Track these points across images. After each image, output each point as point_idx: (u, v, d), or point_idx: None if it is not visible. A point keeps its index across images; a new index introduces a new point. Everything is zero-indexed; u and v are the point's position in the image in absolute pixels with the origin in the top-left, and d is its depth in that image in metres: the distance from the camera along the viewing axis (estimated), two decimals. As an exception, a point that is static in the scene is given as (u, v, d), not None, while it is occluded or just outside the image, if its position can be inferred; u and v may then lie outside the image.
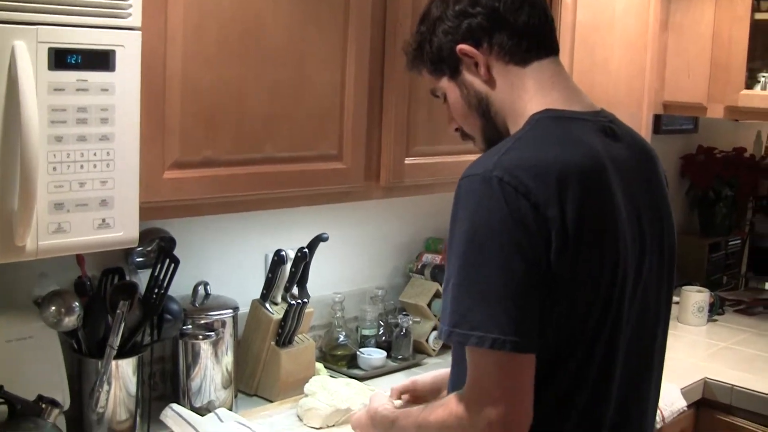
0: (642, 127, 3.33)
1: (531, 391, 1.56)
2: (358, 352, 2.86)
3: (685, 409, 2.93)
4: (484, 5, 1.73)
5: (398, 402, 2.07)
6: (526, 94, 1.73)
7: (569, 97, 1.74)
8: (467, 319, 1.53)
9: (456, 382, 1.74)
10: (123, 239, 1.87)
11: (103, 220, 1.82)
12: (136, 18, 1.80)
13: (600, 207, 1.61)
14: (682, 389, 2.95)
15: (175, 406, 2.30)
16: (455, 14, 1.75)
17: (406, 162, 2.47)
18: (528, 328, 1.53)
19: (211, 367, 2.43)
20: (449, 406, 1.63)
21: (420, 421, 1.73)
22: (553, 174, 1.55)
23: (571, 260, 1.55)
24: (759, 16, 3.42)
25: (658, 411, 2.74)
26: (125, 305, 2.15)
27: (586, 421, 1.67)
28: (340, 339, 2.89)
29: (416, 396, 2.08)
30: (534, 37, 1.75)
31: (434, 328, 2.98)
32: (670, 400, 2.86)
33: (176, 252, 2.33)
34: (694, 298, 3.73)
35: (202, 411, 2.37)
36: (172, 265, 2.27)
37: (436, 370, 2.12)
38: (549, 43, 1.79)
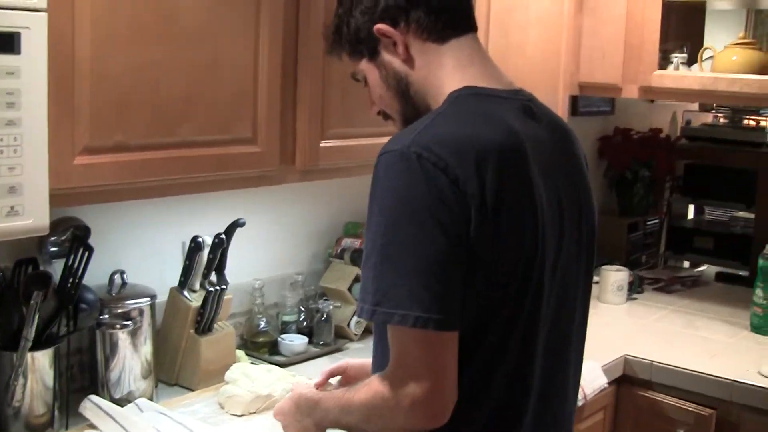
0: (558, 108, 3.35)
1: (455, 369, 1.56)
2: (279, 339, 2.84)
3: (606, 386, 2.96)
4: None
5: (332, 383, 2.08)
6: (444, 72, 1.73)
7: (488, 75, 1.75)
8: (389, 298, 1.52)
9: (379, 362, 1.74)
10: (33, 227, 1.82)
11: (12, 208, 1.77)
12: (41, -1, 1.76)
13: (518, 185, 1.61)
14: (603, 366, 2.99)
15: (93, 397, 2.26)
16: None
17: (321, 145, 2.45)
18: (451, 306, 1.53)
19: (130, 357, 2.39)
20: (372, 385, 1.63)
21: (343, 403, 1.73)
22: (471, 150, 1.55)
23: (489, 236, 1.55)
24: (670, -4, 3.47)
25: (580, 389, 2.78)
26: (39, 295, 2.10)
27: (508, 396, 1.67)
28: (261, 326, 2.87)
29: (348, 378, 2.08)
30: (451, 14, 1.75)
31: (355, 313, 2.97)
32: (592, 378, 2.89)
33: (91, 240, 2.29)
34: (614, 277, 3.78)
35: (122, 402, 2.33)
36: (86, 253, 2.22)
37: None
38: (467, 21, 1.79)
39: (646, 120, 4.78)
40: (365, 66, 1.81)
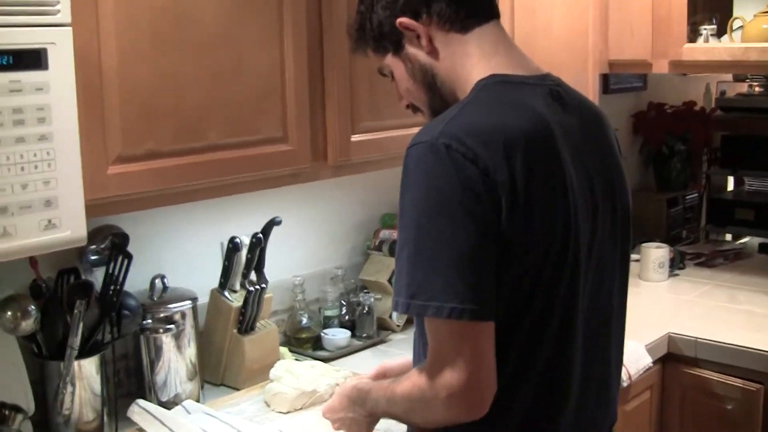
0: (589, 87, 3.34)
1: (493, 359, 1.57)
2: (322, 334, 2.86)
3: (651, 365, 2.95)
4: None
5: None
6: (469, 61, 1.73)
7: (514, 62, 1.75)
8: (424, 289, 1.53)
9: (420, 355, 1.75)
10: (71, 239, 1.85)
11: (50, 221, 1.80)
12: (65, 14, 1.78)
13: (548, 171, 1.61)
14: (646, 345, 2.97)
15: (141, 401, 2.30)
16: None
17: (352, 139, 2.46)
18: (486, 295, 1.53)
19: (175, 360, 2.42)
20: (412, 378, 1.64)
21: (389, 394, 1.75)
22: (500, 139, 1.55)
23: (521, 224, 1.55)
24: (696, -32, 3.44)
25: (625, 370, 2.79)
26: (82, 304, 2.14)
27: (548, 383, 1.68)
28: (303, 322, 2.89)
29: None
30: (472, 2, 1.75)
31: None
32: (636, 357, 2.89)
33: (130, 247, 2.32)
34: (654, 254, 3.76)
35: (169, 405, 2.37)
36: (126, 260, 2.25)
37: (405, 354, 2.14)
38: (489, 8, 1.79)
39: (679, 93, 4.75)
40: (391, 60, 1.81)
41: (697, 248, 4.32)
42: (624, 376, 2.79)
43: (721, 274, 3.89)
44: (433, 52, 1.75)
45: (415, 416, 1.71)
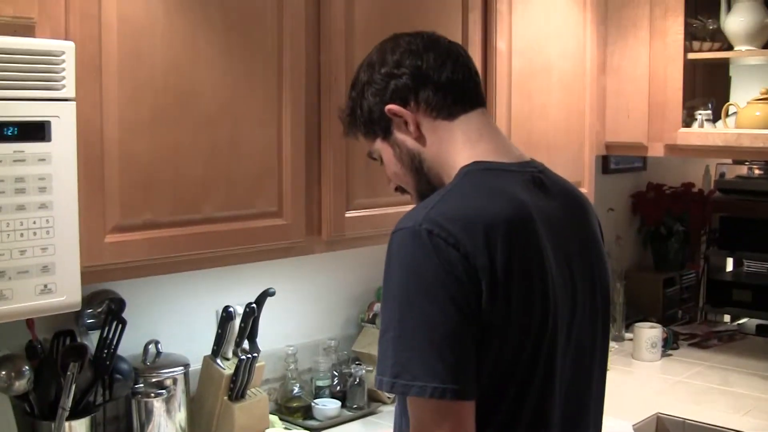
0: (585, 169, 3.41)
1: None
2: (312, 403, 2.90)
3: (637, 445, 2.97)
4: (407, 65, 1.79)
5: None
6: (454, 147, 1.78)
7: (497, 149, 1.80)
8: (407, 370, 1.56)
9: (403, 430, 1.79)
10: (65, 304, 1.91)
11: (45, 286, 1.86)
12: (70, 89, 1.86)
13: (528, 256, 1.66)
14: (634, 425, 2.99)
15: None
16: (382, 77, 1.81)
17: (346, 215, 2.52)
18: (467, 376, 1.58)
19: (165, 425, 2.46)
20: None
21: None
22: (480, 225, 1.60)
23: (501, 308, 1.60)
24: (692, 56, 3.52)
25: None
26: (75, 366, 2.19)
27: None
28: (295, 391, 2.92)
29: None
30: (459, 91, 1.81)
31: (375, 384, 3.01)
32: (622, 437, 2.91)
33: (126, 312, 2.38)
34: (647, 334, 3.78)
35: (158, 469, 2.40)
36: (120, 325, 2.31)
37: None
38: (474, 96, 1.84)
39: (678, 174, 4.80)
40: (380, 145, 1.87)
41: (692, 329, 4.34)
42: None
43: (715, 355, 3.91)
44: (420, 138, 1.80)
45: None
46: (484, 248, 1.59)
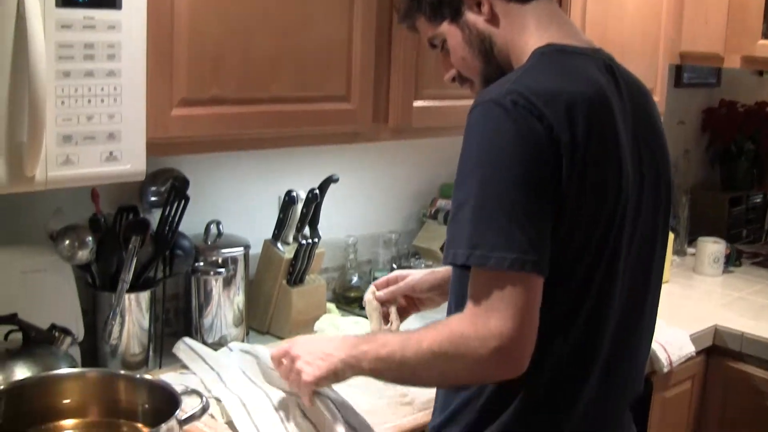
0: (658, 76, 3.34)
1: (537, 316, 1.57)
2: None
3: (694, 354, 2.95)
4: None
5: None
6: (527, 31, 1.75)
7: (568, 34, 1.77)
8: (486, 241, 1.52)
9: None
10: (130, 172, 1.91)
11: (111, 153, 1.87)
12: (141, -43, 1.85)
13: (605, 137, 1.63)
14: (691, 335, 2.98)
15: (187, 339, 2.36)
16: None
17: (414, 105, 2.50)
18: (545, 249, 1.55)
19: (223, 304, 2.50)
20: (451, 324, 1.60)
21: (399, 344, 1.66)
22: (562, 101, 1.57)
23: (577, 187, 1.57)
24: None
25: (666, 355, 2.80)
26: (137, 240, 2.21)
27: (581, 346, 1.70)
28: (353, 281, 2.94)
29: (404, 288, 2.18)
30: None
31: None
32: (679, 344, 2.90)
33: (190, 191, 2.39)
34: (710, 248, 3.75)
35: (214, 347, 2.42)
36: (183, 202, 2.32)
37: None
38: None
39: (753, 93, 4.70)
40: (446, 28, 1.83)
41: (756, 248, 4.29)
42: (665, 361, 2.80)
43: (776, 274, 3.87)
44: (493, 19, 1.77)
45: (437, 371, 1.64)
46: (567, 124, 1.56)
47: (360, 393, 2.11)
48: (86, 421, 1.86)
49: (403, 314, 2.19)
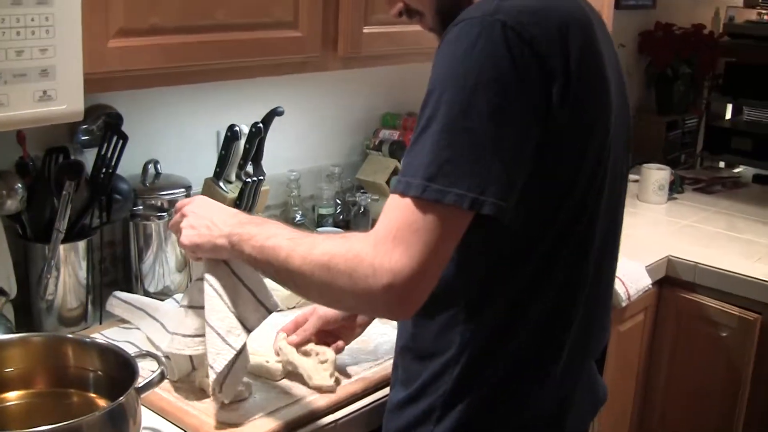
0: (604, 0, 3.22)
1: (447, 259, 1.38)
2: (315, 232, 2.75)
3: (650, 287, 2.88)
4: None
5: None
6: None
7: None
8: (446, 173, 1.33)
9: (414, 340, 1.65)
10: (66, 113, 1.73)
11: (45, 92, 1.67)
12: None
13: (595, 63, 1.49)
14: (647, 266, 2.91)
15: (118, 293, 2.16)
16: None
17: (364, 30, 2.34)
18: (513, 194, 1.38)
19: (164, 249, 2.33)
20: (351, 241, 1.40)
21: (296, 254, 1.46)
22: (555, 22, 1.41)
23: (567, 118, 1.41)
24: None
25: (624, 288, 2.73)
26: (71, 185, 2.03)
27: (564, 295, 1.57)
28: (297, 218, 2.80)
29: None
30: None
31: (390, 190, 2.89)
32: (636, 278, 2.82)
33: (124, 129, 2.19)
34: (655, 175, 3.68)
35: (158, 297, 2.25)
36: (120, 141, 2.14)
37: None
38: None
39: (688, 15, 4.62)
40: None
41: (695, 173, 4.25)
42: (623, 295, 2.72)
43: (720, 201, 3.83)
44: None
45: (316, 284, 1.44)
46: (559, 49, 1.40)
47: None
48: (31, 392, 1.70)
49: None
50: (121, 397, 1.52)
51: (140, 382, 1.60)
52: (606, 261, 1.69)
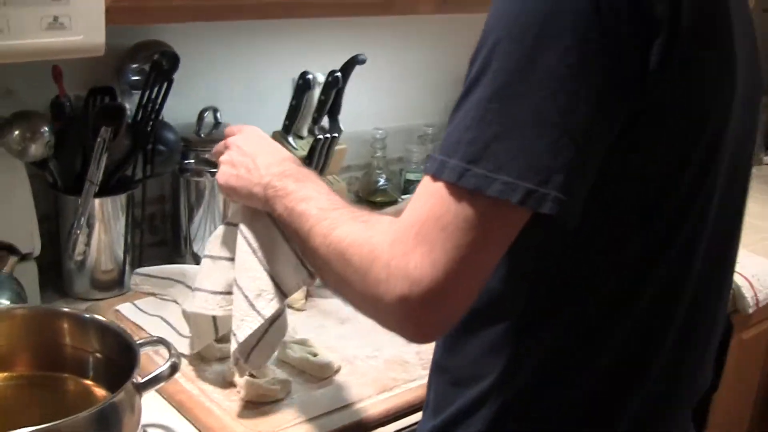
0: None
1: (486, 274, 1.04)
2: (399, 200, 2.52)
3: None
4: None
5: None
6: None
7: None
8: (492, 153, 0.99)
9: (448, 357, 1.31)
10: (83, 45, 1.46)
11: (56, 18, 1.42)
12: None
13: (718, 20, 1.12)
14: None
15: (139, 270, 1.83)
16: None
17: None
18: (580, 186, 1.02)
19: (219, 209, 2.07)
20: (372, 229, 1.09)
21: (317, 231, 1.18)
22: None
23: (668, 92, 1.04)
24: None
25: (752, 290, 2.40)
26: (108, 131, 1.79)
27: (647, 330, 1.20)
28: (380, 183, 2.57)
29: None
30: None
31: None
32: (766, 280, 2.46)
33: (181, 71, 1.93)
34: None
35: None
36: (165, 83, 1.87)
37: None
38: None
39: None
40: None
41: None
42: (751, 300, 2.37)
43: None
44: None
45: (332, 271, 1.15)
46: None
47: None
48: (20, 374, 1.44)
49: None
50: (112, 396, 1.25)
51: (145, 376, 1.33)
52: (713, 287, 1.32)
